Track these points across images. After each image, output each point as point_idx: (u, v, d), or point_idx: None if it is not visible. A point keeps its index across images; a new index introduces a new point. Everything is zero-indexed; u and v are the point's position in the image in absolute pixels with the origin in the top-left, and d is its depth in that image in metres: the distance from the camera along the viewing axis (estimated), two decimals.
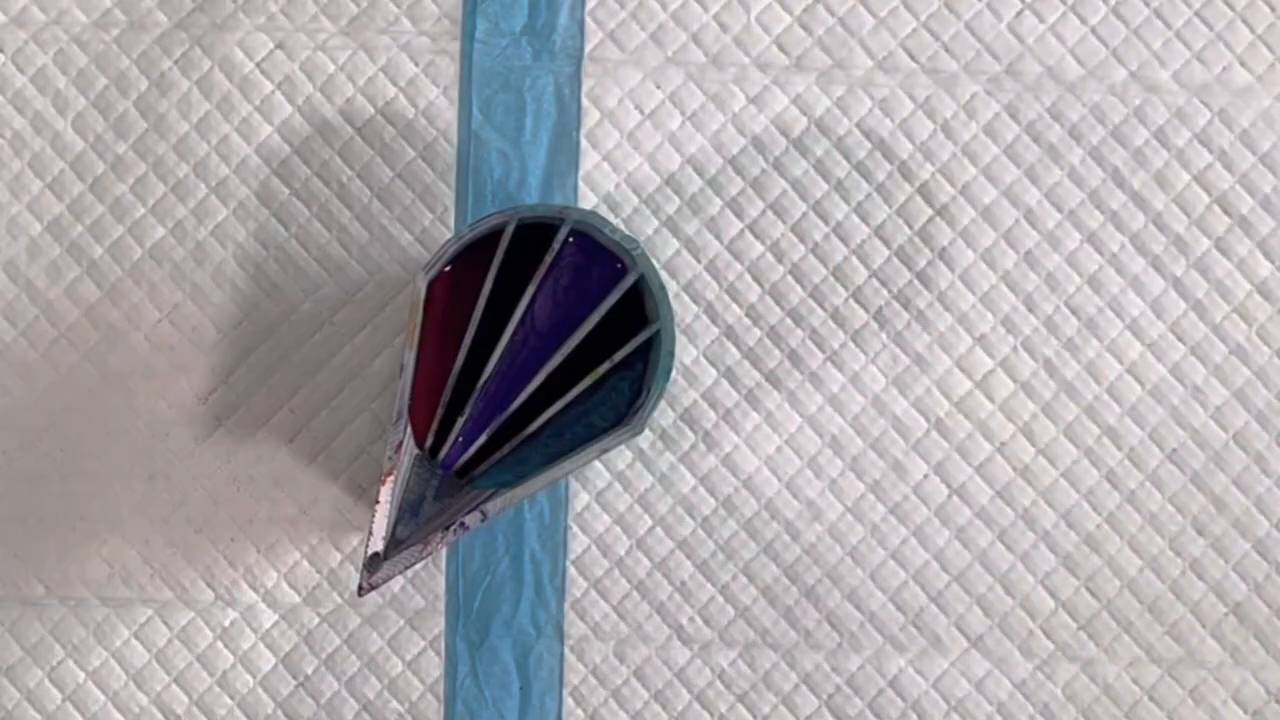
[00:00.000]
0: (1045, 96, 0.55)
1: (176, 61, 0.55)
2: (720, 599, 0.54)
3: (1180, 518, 0.54)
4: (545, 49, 0.55)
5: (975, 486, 0.54)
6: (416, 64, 0.55)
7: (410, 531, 0.45)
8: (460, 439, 0.46)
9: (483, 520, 0.44)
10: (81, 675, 0.53)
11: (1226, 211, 0.55)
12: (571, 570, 0.54)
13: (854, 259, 0.54)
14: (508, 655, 0.54)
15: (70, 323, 0.54)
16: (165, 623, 0.53)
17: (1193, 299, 0.54)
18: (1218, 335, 0.54)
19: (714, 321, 0.54)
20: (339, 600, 0.54)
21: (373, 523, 0.44)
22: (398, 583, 0.54)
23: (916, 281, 0.54)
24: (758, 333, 0.54)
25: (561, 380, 0.47)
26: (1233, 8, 0.56)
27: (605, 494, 0.54)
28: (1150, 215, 0.54)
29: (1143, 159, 0.55)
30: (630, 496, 0.54)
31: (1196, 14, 0.56)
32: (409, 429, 0.45)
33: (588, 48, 0.55)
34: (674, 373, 0.53)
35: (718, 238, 0.54)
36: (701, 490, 0.54)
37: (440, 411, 0.46)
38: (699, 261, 0.54)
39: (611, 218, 0.54)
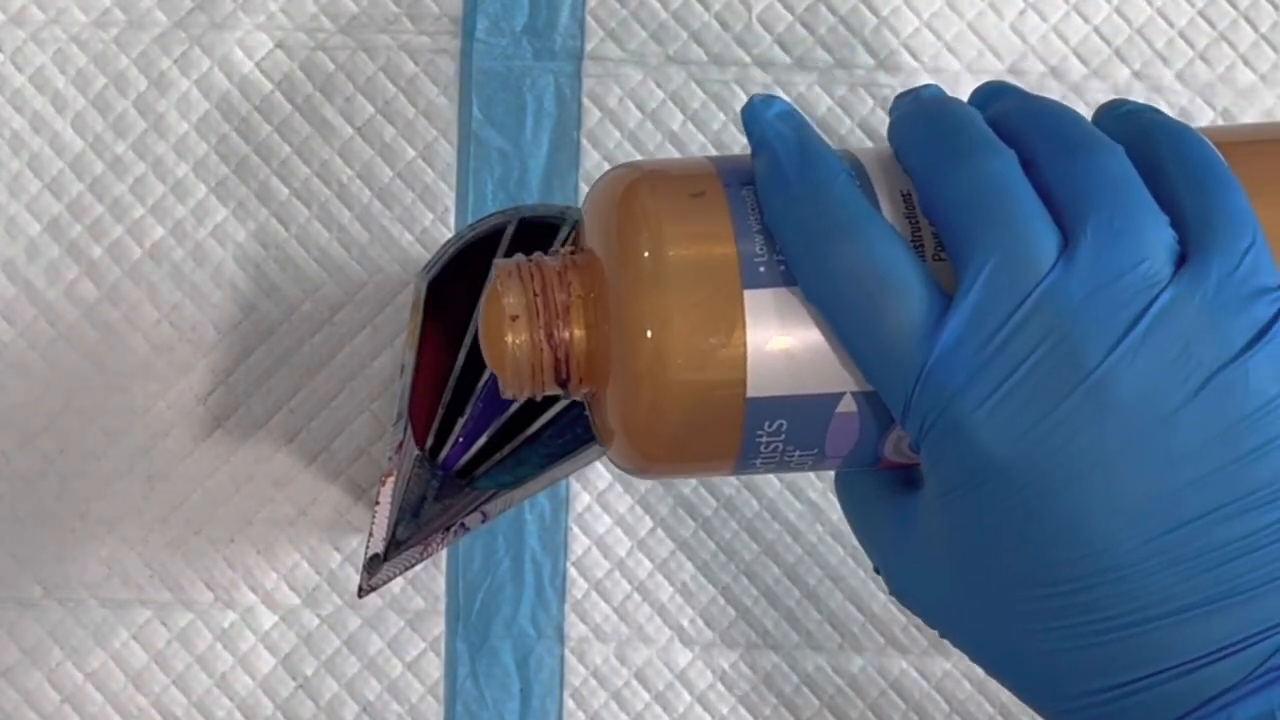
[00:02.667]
0: (1048, 96, 0.55)
1: (176, 61, 0.55)
2: (721, 600, 0.54)
3: None
4: (546, 48, 0.55)
5: None
6: (416, 64, 0.55)
7: (410, 533, 0.45)
8: (461, 440, 0.46)
9: (483, 521, 0.44)
10: (80, 676, 0.53)
11: None
12: (572, 571, 0.54)
13: None
14: (508, 657, 0.53)
15: (69, 323, 0.54)
16: (164, 624, 0.53)
17: None
18: None
19: None
20: (339, 602, 0.54)
21: (372, 524, 0.44)
22: (398, 584, 0.53)
23: None
24: None
25: None
26: (1236, 7, 0.55)
27: (606, 495, 0.54)
28: None
29: None
30: (631, 497, 0.54)
31: (1200, 13, 0.55)
32: (409, 429, 0.45)
33: (588, 47, 0.55)
34: None
35: None
36: (702, 491, 0.54)
37: (440, 412, 0.46)
38: None
39: None
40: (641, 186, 0.33)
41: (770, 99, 0.33)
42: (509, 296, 0.34)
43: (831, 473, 0.54)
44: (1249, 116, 0.55)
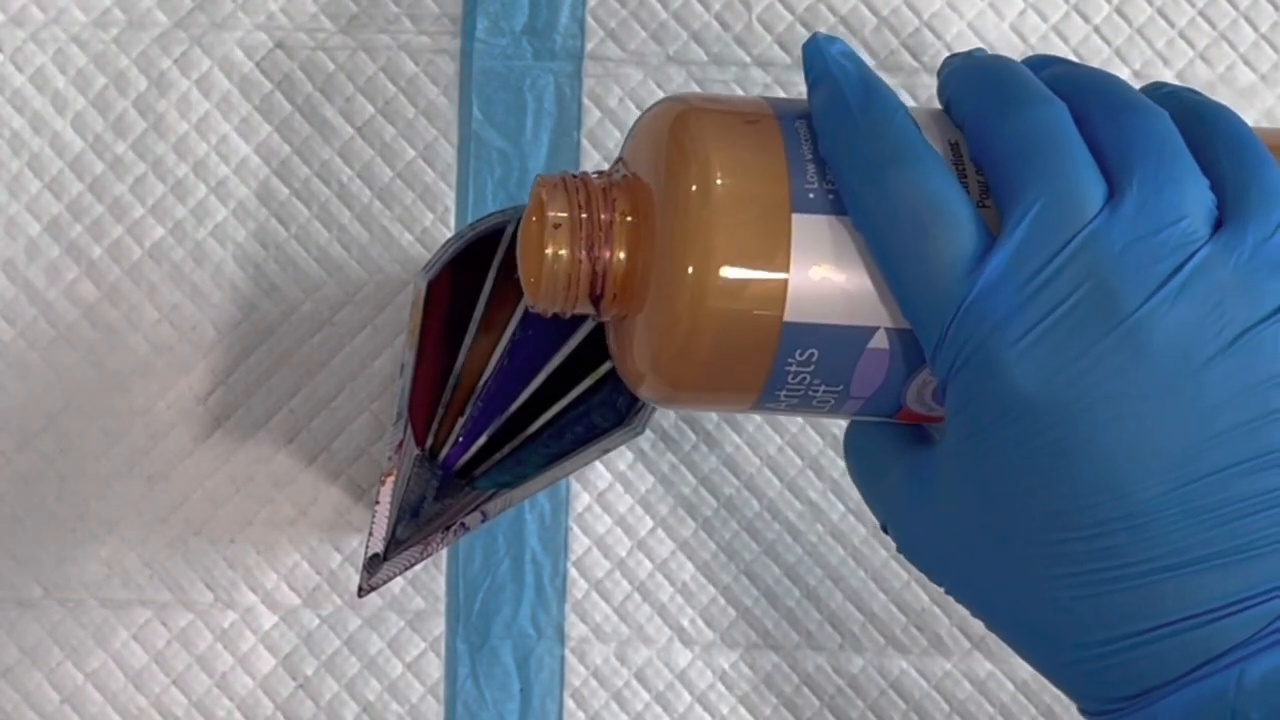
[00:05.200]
0: None
1: (176, 61, 0.55)
2: (721, 600, 0.54)
3: None
4: (546, 48, 0.55)
5: None
6: (416, 64, 0.55)
7: (410, 532, 0.45)
8: (461, 439, 0.46)
9: (483, 521, 0.44)
10: (80, 677, 0.53)
11: None
12: (572, 571, 0.54)
13: None
14: (508, 657, 0.53)
15: (69, 323, 0.54)
16: (164, 624, 0.53)
17: None
18: None
19: None
20: (339, 601, 0.54)
21: (372, 523, 0.44)
22: (398, 584, 0.53)
23: None
24: None
25: (562, 380, 0.47)
26: (1236, 6, 0.55)
27: (606, 495, 0.54)
28: None
29: None
30: (631, 497, 0.54)
31: (1200, 13, 0.55)
32: (409, 429, 0.45)
33: (588, 47, 0.55)
34: None
35: None
36: (703, 491, 0.54)
37: (440, 411, 0.46)
38: None
39: None
40: (694, 111, 0.34)
41: (832, 38, 0.35)
42: (554, 207, 0.34)
43: (832, 473, 0.54)
44: (1249, 116, 0.55)
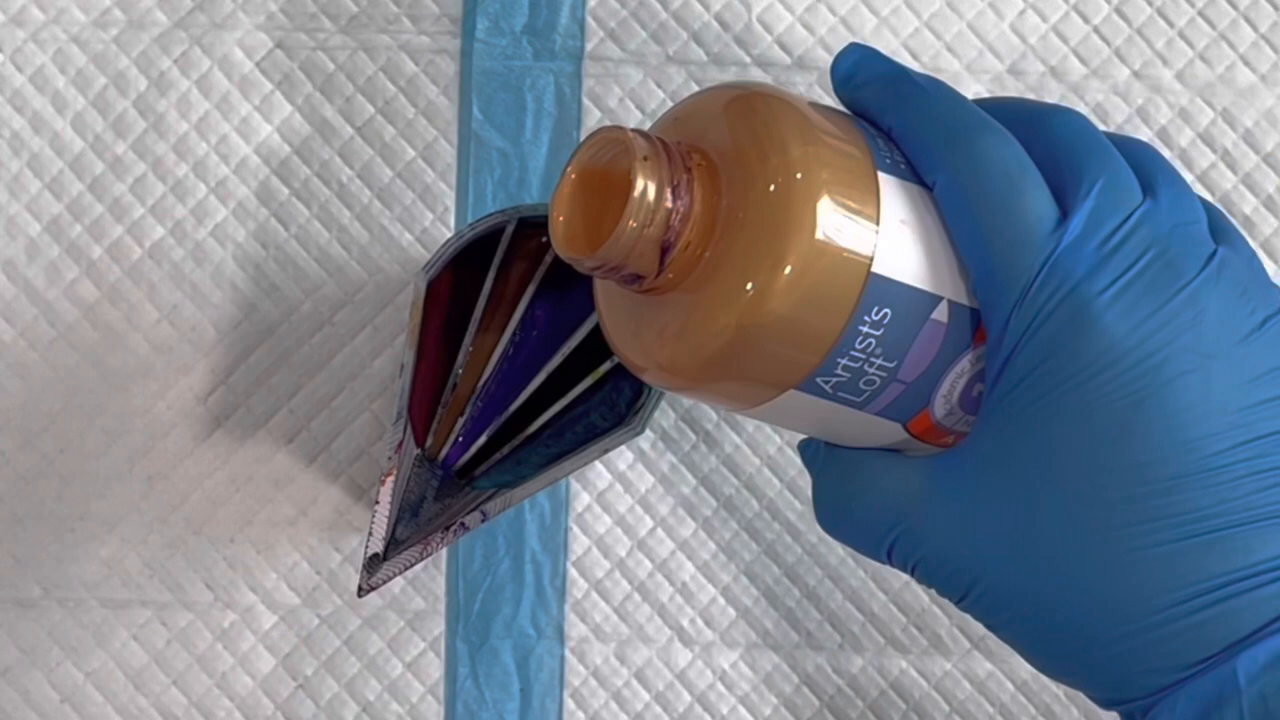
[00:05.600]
0: (1048, 96, 0.55)
1: (176, 61, 0.55)
2: (721, 600, 0.54)
3: None
4: (546, 48, 0.55)
5: None
6: (416, 64, 0.55)
7: (410, 532, 0.45)
8: (460, 439, 0.46)
9: (483, 520, 0.44)
10: (80, 677, 0.53)
11: (1229, 211, 0.55)
12: (572, 571, 0.54)
13: None
14: (508, 657, 0.53)
15: (69, 323, 0.54)
16: (164, 624, 0.53)
17: None
18: None
19: None
20: (339, 601, 0.54)
21: (372, 523, 0.44)
22: (397, 584, 0.53)
23: None
24: None
25: (562, 380, 0.47)
26: (1235, 7, 0.55)
27: (606, 495, 0.54)
28: None
29: None
30: (631, 497, 0.54)
31: (1199, 13, 0.55)
32: (409, 429, 0.45)
33: (588, 46, 0.55)
34: None
35: None
36: (703, 491, 0.54)
37: (440, 411, 0.46)
38: None
39: None
40: (763, 94, 0.34)
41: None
42: (639, 145, 0.33)
43: None
44: (1249, 116, 0.55)
